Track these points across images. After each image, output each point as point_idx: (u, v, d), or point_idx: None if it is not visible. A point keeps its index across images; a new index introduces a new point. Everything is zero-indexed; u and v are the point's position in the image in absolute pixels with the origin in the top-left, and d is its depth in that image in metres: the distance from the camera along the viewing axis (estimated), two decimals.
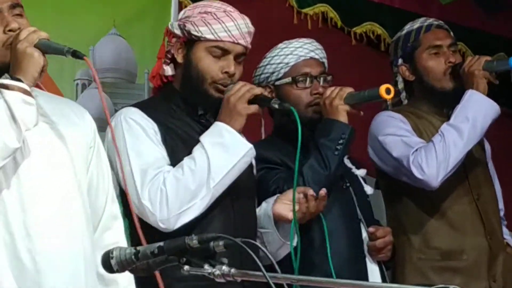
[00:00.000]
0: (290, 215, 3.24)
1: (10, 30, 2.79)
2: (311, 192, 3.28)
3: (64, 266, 2.86)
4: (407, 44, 3.89)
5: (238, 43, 3.25)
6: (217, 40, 3.24)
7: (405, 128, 3.77)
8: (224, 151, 3.18)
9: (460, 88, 3.74)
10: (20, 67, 2.72)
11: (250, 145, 3.19)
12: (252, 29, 3.30)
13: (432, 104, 3.88)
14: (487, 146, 4.00)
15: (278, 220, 3.28)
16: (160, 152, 3.20)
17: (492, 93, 3.73)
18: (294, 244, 3.28)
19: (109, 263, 2.25)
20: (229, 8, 3.35)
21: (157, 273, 2.36)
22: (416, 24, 3.91)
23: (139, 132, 3.20)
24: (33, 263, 2.84)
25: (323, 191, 3.29)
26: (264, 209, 3.34)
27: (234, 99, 3.14)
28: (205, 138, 3.18)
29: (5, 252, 2.82)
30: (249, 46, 3.30)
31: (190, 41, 3.27)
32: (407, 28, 3.94)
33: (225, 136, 3.17)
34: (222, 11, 3.30)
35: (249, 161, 3.26)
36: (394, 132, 3.73)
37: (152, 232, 2.93)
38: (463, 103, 3.65)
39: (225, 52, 3.25)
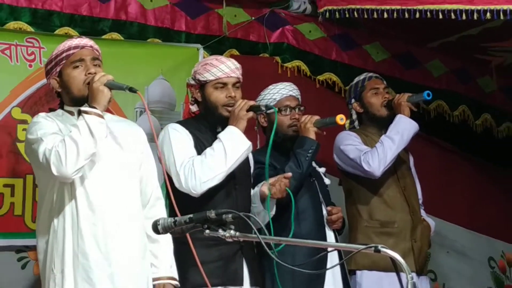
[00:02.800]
0: (267, 191, 3.37)
1: (89, 73, 2.98)
2: (288, 175, 3.41)
3: (129, 236, 2.98)
4: (357, 89, 4.12)
5: (231, 76, 3.39)
6: (217, 79, 3.39)
7: (358, 140, 4.02)
8: (234, 144, 3.30)
9: (392, 116, 3.99)
10: (95, 99, 2.88)
11: (250, 143, 3.36)
12: (238, 65, 3.47)
13: (374, 127, 4.10)
14: (411, 156, 4.26)
15: (262, 197, 3.43)
16: (192, 150, 3.37)
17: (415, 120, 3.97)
18: (273, 213, 3.39)
19: (157, 227, 2.39)
20: (219, 56, 3.54)
21: (188, 236, 2.43)
22: (362, 76, 4.20)
23: (180, 137, 3.34)
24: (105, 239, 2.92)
25: (289, 174, 3.41)
26: (255, 191, 3.52)
27: (237, 110, 3.34)
28: (221, 135, 3.34)
29: (88, 226, 2.90)
30: (240, 76, 3.46)
31: (201, 85, 3.43)
32: (356, 79, 4.19)
33: (234, 134, 3.30)
34: (214, 60, 3.46)
35: (248, 154, 3.39)
36: (350, 143, 3.99)
37: (184, 208, 2.98)
38: (394, 122, 3.95)
39: (224, 84, 3.39)
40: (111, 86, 2.88)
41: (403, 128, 3.84)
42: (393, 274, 3.70)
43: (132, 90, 2.88)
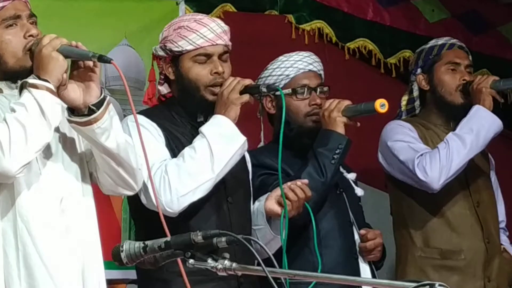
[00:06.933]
0: (279, 209, 3.26)
1: (30, 36, 2.82)
2: (303, 181, 3.36)
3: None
4: (429, 56, 4.00)
5: (216, 44, 3.30)
6: (197, 48, 3.29)
7: (412, 135, 3.87)
8: (224, 140, 3.22)
9: (468, 105, 3.83)
10: (46, 70, 2.75)
11: (245, 138, 3.23)
12: (226, 27, 3.35)
13: (440, 115, 3.98)
14: (492, 159, 4.07)
15: (270, 215, 3.29)
16: (164, 151, 3.24)
17: (497, 114, 3.84)
18: (283, 237, 3.30)
19: (119, 256, 2.28)
20: (199, 16, 3.42)
21: (182, 271, 2.36)
22: (441, 40, 4.03)
23: (145, 134, 3.17)
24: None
25: (305, 180, 3.35)
26: (257, 207, 3.37)
27: (227, 92, 3.20)
28: (204, 128, 3.21)
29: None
30: (229, 43, 3.34)
31: (174, 58, 3.32)
32: (431, 43, 4.04)
33: (223, 126, 3.21)
34: (193, 21, 3.35)
35: (242, 153, 3.29)
36: (402, 138, 3.84)
37: (156, 230, 2.88)
38: (469, 116, 3.76)
39: (208, 56, 3.30)
40: (67, 52, 2.75)
41: (480, 125, 3.80)
42: None
43: (103, 59, 2.74)
